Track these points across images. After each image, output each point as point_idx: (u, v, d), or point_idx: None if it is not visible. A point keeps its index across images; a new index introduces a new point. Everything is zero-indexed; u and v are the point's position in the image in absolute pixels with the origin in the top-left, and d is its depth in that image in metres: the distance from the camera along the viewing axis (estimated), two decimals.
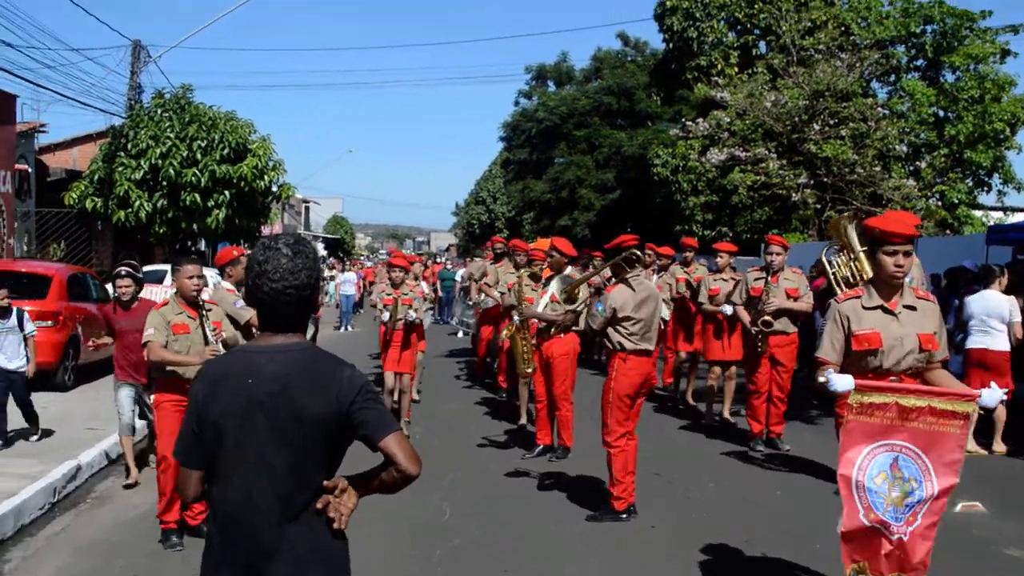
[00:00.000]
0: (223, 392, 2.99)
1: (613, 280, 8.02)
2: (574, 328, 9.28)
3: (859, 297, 5.21)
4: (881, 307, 5.09)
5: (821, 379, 5.04)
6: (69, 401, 12.22)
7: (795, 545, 6.60)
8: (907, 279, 6.65)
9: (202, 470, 3.03)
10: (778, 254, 9.88)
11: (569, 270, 9.73)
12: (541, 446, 9.64)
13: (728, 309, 10.37)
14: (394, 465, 2.99)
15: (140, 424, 8.96)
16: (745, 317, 10.02)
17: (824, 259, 8.31)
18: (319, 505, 2.97)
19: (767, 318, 9.61)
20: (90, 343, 11.69)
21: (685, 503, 8.03)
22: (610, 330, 7.51)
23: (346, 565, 3.10)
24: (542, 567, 6.34)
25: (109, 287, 17.31)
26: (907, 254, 5.06)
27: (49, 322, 12.83)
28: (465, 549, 6.71)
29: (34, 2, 25.83)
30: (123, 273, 8.63)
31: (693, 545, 6.72)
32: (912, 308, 5.13)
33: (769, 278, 9.78)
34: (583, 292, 9.29)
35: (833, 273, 8.05)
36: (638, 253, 7.69)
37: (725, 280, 10.92)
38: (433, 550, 6.66)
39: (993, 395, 4.95)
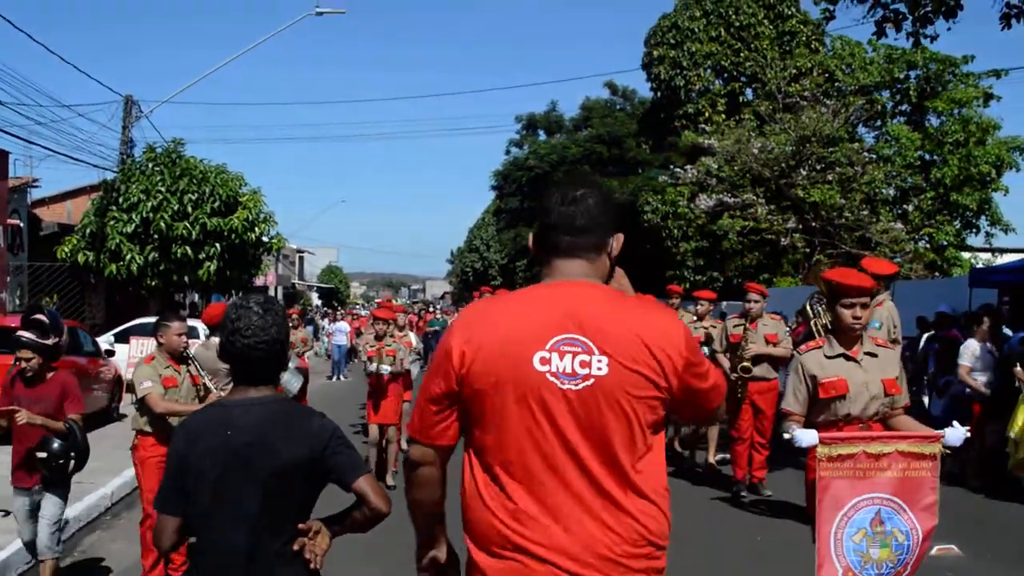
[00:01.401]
0: (202, 444, 3.16)
1: None
2: None
3: (820, 347, 5.38)
4: (843, 355, 5.26)
5: (787, 435, 5.18)
6: None
7: None
8: (876, 324, 6.79)
9: (179, 518, 3.18)
10: (756, 301, 10.03)
11: None
12: None
13: (705, 351, 10.48)
14: (366, 505, 3.22)
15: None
16: (725, 363, 10.15)
17: (808, 307, 8.45)
18: (295, 547, 3.14)
19: (746, 364, 9.73)
20: None
21: (678, 548, 8.06)
22: None
23: None
24: None
25: (101, 340, 17.48)
26: (864, 306, 5.27)
27: None
28: None
29: (25, 60, 26.17)
30: (24, 341, 6.24)
31: None
32: (873, 355, 5.29)
33: (748, 324, 9.92)
34: None
35: (814, 320, 8.21)
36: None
37: (705, 327, 11.10)
38: None
39: (956, 434, 5.09)
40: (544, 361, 2.74)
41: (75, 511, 8.90)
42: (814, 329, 8.03)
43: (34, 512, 6.34)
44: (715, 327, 10.79)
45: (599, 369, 2.71)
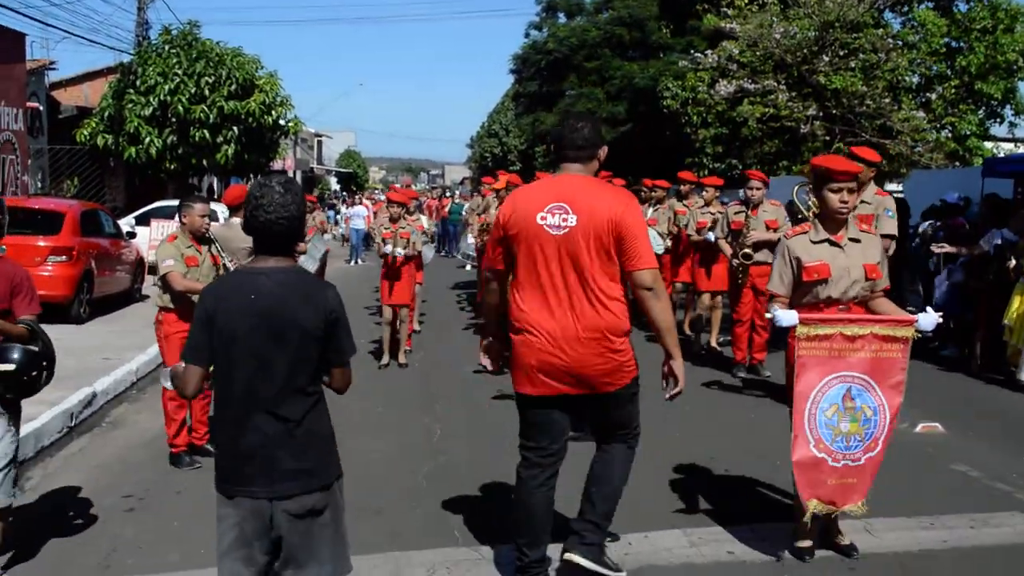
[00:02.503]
0: (230, 305, 3.57)
1: None
2: None
3: (807, 232, 5.54)
4: (828, 240, 5.42)
5: (768, 315, 5.49)
6: (84, 333, 12.56)
7: (756, 463, 7.08)
8: (889, 213, 7.08)
9: (204, 369, 3.62)
10: (757, 188, 10.25)
11: None
12: None
13: (711, 236, 10.77)
14: (331, 382, 3.72)
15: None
16: (727, 249, 10.42)
17: (795, 198, 8.62)
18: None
19: (747, 250, 9.99)
20: None
21: (661, 424, 8.45)
22: None
23: (334, 443, 3.75)
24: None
25: (122, 223, 17.86)
26: (851, 191, 5.45)
27: (63, 257, 13.13)
28: (449, 466, 7.19)
29: None
30: None
31: (666, 462, 7.18)
32: (857, 240, 5.47)
33: (749, 211, 10.15)
34: None
35: (808, 211, 8.44)
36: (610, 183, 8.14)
37: (712, 212, 11.35)
38: (421, 467, 7.17)
39: (929, 319, 5.41)
40: (542, 219, 4.65)
41: (103, 385, 9.38)
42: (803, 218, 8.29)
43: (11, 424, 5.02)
44: (722, 213, 11.02)
45: (570, 222, 4.61)
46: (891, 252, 8.64)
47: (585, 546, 4.83)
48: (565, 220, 4.57)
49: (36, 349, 4.83)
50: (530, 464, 4.90)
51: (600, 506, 4.89)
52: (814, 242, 5.47)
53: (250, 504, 3.57)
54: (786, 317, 5.21)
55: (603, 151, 4.87)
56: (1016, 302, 10.26)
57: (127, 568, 5.27)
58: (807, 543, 5.43)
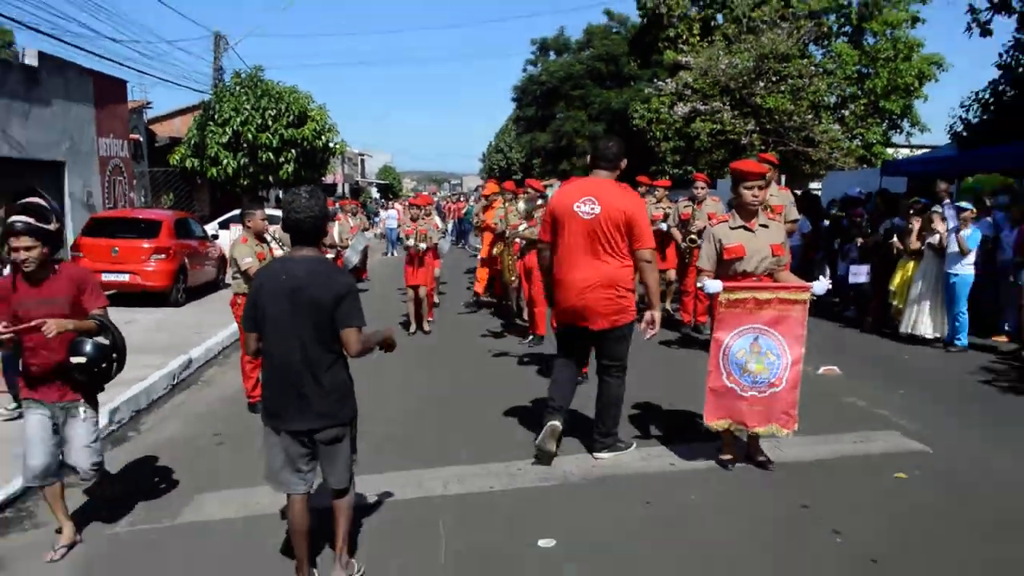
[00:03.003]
0: (268, 285, 3.83)
1: None
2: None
3: (727, 221, 5.74)
4: (743, 227, 5.60)
5: (699, 284, 5.71)
6: (181, 314, 12.72)
7: (696, 399, 7.18)
8: (776, 200, 7.26)
9: (257, 334, 3.88)
10: (701, 188, 10.40)
11: (540, 201, 10.05)
12: (533, 335, 10.27)
13: (664, 226, 10.94)
14: (344, 346, 3.83)
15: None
16: (677, 235, 10.60)
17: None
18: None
19: (693, 236, 10.16)
20: None
21: None
22: None
23: (352, 392, 3.98)
24: (514, 416, 6.99)
25: (207, 228, 18.11)
26: (760, 188, 5.61)
27: (163, 255, 13.30)
28: (460, 407, 7.38)
29: (131, 4, 26.21)
30: (18, 228, 4.26)
31: (627, 401, 7.10)
32: (765, 227, 5.65)
33: (695, 206, 10.34)
34: (539, 214, 9.60)
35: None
36: None
37: (663, 207, 11.54)
38: (438, 408, 7.39)
39: (821, 285, 5.63)
40: (577, 207, 5.53)
41: (197, 353, 9.59)
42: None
43: (55, 430, 4.52)
44: (672, 207, 11.20)
45: (595, 211, 5.49)
46: (793, 233, 8.89)
47: (602, 444, 5.89)
48: (592, 208, 5.49)
49: (106, 342, 4.42)
50: (562, 361, 5.97)
51: (605, 419, 5.89)
52: (732, 228, 5.64)
53: (290, 435, 3.86)
54: (712, 286, 5.42)
55: (624, 162, 5.79)
56: (899, 274, 10.48)
57: (217, 485, 5.53)
58: (728, 456, 5.68)
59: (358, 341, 3.82)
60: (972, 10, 15.64)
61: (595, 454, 5.89)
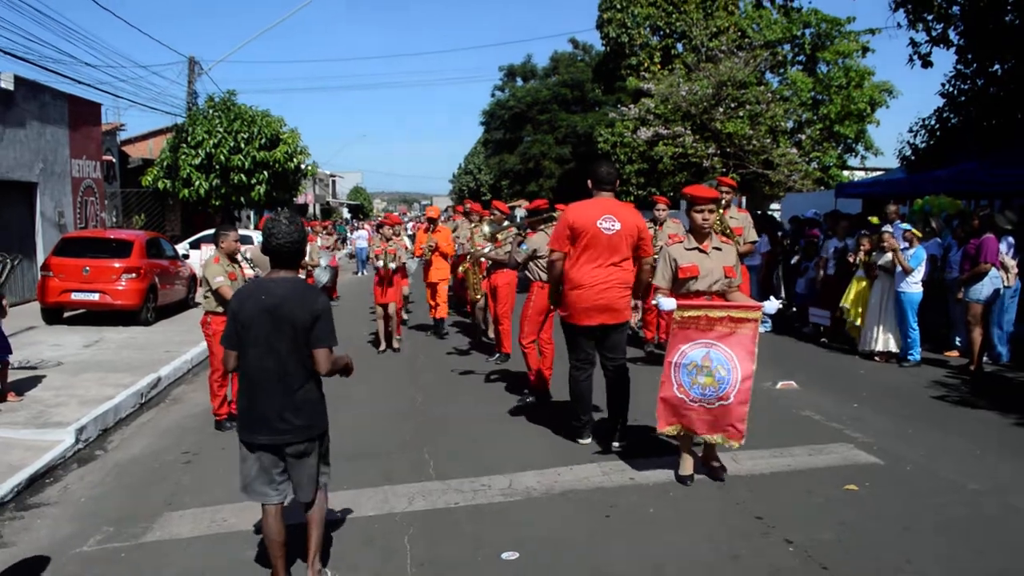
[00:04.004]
0: (248, 304, 3.87)
1: (529, 229, 8.58)
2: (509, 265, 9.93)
3: (682, 242, 5.84)
4: (697, 248, 5.70)
5: (654, 301, 5.80)
6: (151, 332, 12.59)
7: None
8: (736, 222, 7.35)
9: (235, 352, 3.89)
10: (662, 210, 10.48)
11: (506, 223, 10.11)
12: (499, 353, 10.25)
13: None
14: (314, 364, 3.87)
15: None
16: None
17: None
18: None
19: (656, 256, 10.23)
20: None
21: None
22: (530, 264, 8.26)
23: (324, 407, 4.02)
24: (479, 433, 7.00)
25: (179, 247, 17.97)
26: (711, 211, 5.71)
27: (134, 275, 13.15)
28: (428, 424, 7.38)
29: (108, 30, 26.06)
30: None
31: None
32: (719, 249, 5.74)
33: (657, 227, 10.43)
34: (503, 236, 9.62)
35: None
36: (551, 212, 8.45)
37: None
38: (406, 424, 7.38)
39: (771, 305, 5.71)
40: (599, 223, 6.09)
41: (165, 371, 9.50)
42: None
43: None
44: None
45: (616, 227, 6.12)
46: (754, 253, 8.98)
47: (615, 436, 6.43)
48: (613, 225, 6.14)
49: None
50: (580, 368, 6.45)
51: (614, 412, 6.43)
52: (687, 249, 5.74)
53: (263, 448, 3.89)
54: (667, 303, 5.47)
55: (616, 182, 6.47)
56: (852, 290, 10.64)
57: (185, 503, 5.48)
58: (688, 472, 5.69)
59: (328, 361, 3.88)
60: (913, 43, 16.05)
61: (615, 444, 6.41)
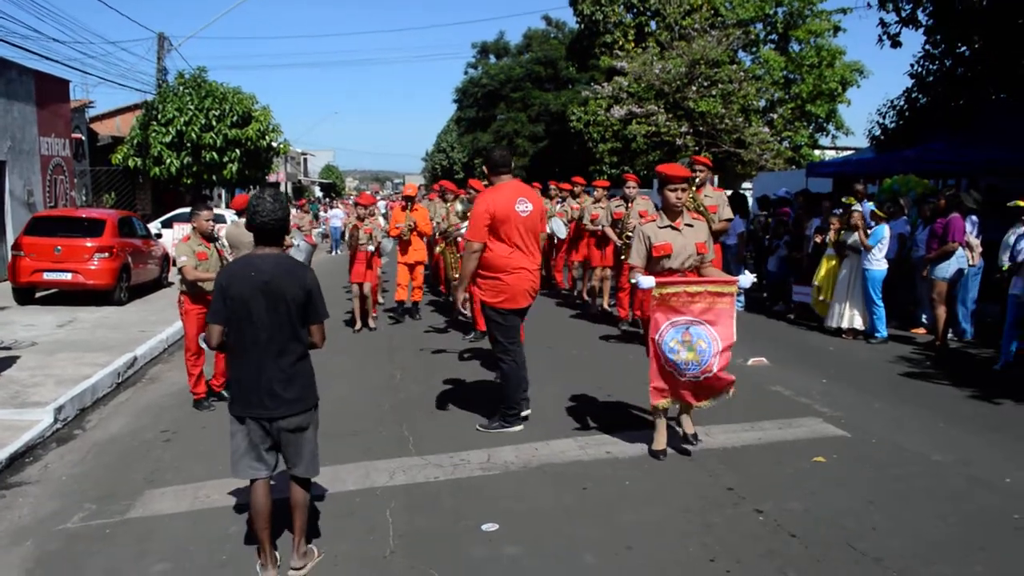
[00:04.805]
0: (237, 280, 3.93)
1: None
2: None
3: (655, 221, 5.88)
4: (670, 226, 5.75)
5: (632, 280, 5.82)
6: (125, 312, 12.54)
7: (637, 390, 7.39)
8: (711, 200, 7.45)
9: (222, 326, 3.95)
10: (632, 187, 10.49)
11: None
12: (475, 331, 10.37)
13: (600, 227, 11.10)
14: (311, 338, 4.02)
15: None
16: (611, 234, 10.74)
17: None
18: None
19: (628, 233, 10.31)
20: None
21: (563, 363, 8.85)
22: None
23: (314, 380, 4.12)
24: (457, 408, 7.10)
25: (151, 226, 17.84)
26: (683, 190, 5.76)
27: (106, 254, 13.08)
28: (406, 400, 7.49)
29: (76, 4, 25.62)
30: None
31: (566, 392, 7.55)
32: (690, 226, 5.80)
33: (628, 205, 10.49)
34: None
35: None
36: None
37: (602, 208, 11.68)
38: (384, 401, 7.46)
39: (746, 279, 5.84)
40: (517, 207, 6.19)
41: (141, 351, 9.46)
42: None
43: None
44: (603, 207, 11.36)
45: (530, 208, 6.25)
46: (730, 232, 9.10)
47: (526, 403, 6.59)
48: (527, 207, 6.25)
49: None
50: (514, 352, 6.44)
51: (524, 384, 6.58)
52: (660, 228, 5.79)
53: (255, 422, 3.96)
54: (645, 281, 5.53)
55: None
56: (823, 268, 10.84)
57: (167, 481, 5.53)
58: (661, 446, 5.82)
59: (323, 334, 4.06)
60: (883, 23, 16.25)
61: (525, 411, 6.57)
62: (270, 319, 3.90)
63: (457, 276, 10.64)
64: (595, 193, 12.08)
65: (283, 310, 3.90)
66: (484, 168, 6.46)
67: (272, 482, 4.13)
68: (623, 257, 10.54)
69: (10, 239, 15.57)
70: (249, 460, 4.01)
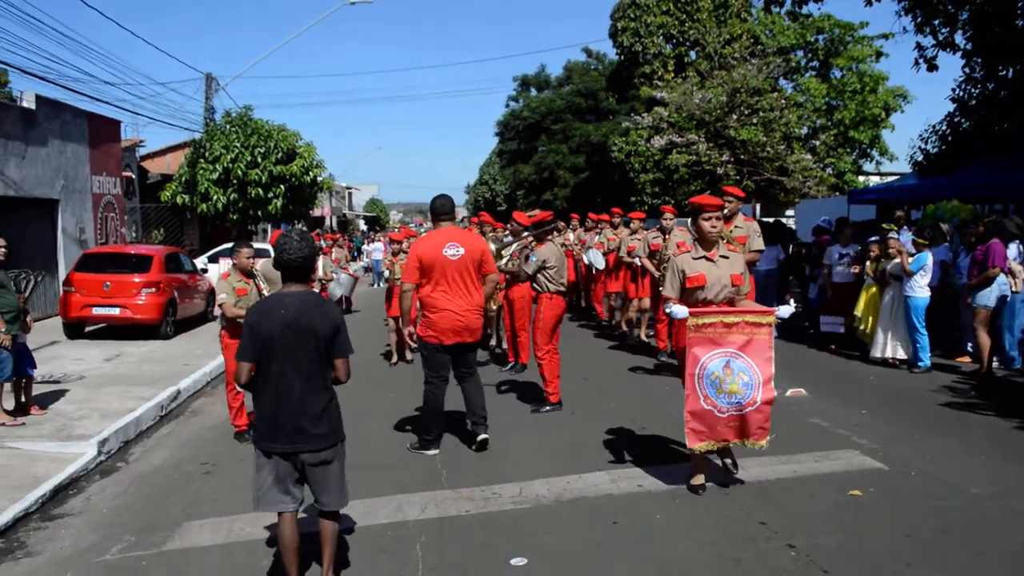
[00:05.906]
0: (267, 318, 4.02)
1: (537, 242, 8.64)
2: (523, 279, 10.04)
3: (689, 252, 5.83)
4: (705, 257, 5.72)
5: (667, 310, 5.75)
6: (170, 346, 12.79)
7: (673, 423, 7.32)
8: (742, 232, 7.42)
9: (251, 364, 4.03)
10: (669, 219, 10.46)
11: (508, 240, 10.26)
12: (512, 363, 10.44)
13: (636, 260, 11.12)
14: (334, 373, 4.10)
15: None
16: (650, 266, 10.73)
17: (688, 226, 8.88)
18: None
19: (666, 264, 10.32)
20: None
21: (599, 397, 8.85)
22: (539, 276, 8.39)
23: (339, 415, 4.18)
24: (496, 440, 7.04)
25: (197, 261, 18.23)
26: (718, 219, 5.71)
27: (153, 289, 13.37)
28: (445, 436, 7.31)
29: (127, 49, 26.49)
30: None
31: (601, 426, 7.50)
32: (726, 257, 5.76)
33: (665, 236, 10.47)
34: (507, 252, 9.78)
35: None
36: (556, 224, 8.63)
37: (639, 239, 11.66)
38: (411, 440, 7.35)
39: (786, 309, 5.79)
40: (445, 251, 6.57)
41: (185, 384, 9.69)
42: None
43: None
44: (640, 239, 11.33)
45: (460, 252, 6.62)
46: (758, 263, 9.05)
47: (483, 428, 6.98)
48: (457, 251, 6.64)
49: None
50: (436, 384, 6.83)
51: (479, 410, 6.98)
52: (694, 259, 5.76)
53: (282, 456, 4.03)
54: (679, 311, 5.50)
55: (457, 212, 7.19)
56: (863, 298, 10.70)
57: (204, 513, 5.63)
58: (700, 480, 5.74)
59: (347, 369, 4.12)
60: (919, 47, 16.10)
61: (480, 436, 6.94)
62: (298, 355, 3.97)
63: (495, 307, 10.77)
64: (632, 225, 12.08)
65: (311, 346, 3.98)
66: (429, 215, 7.07)
67: (303, 514, 4.20)
68: (660, 288, 10.51)
69: (62, 275, 16.04)
70: (276, 493, 4.07)
